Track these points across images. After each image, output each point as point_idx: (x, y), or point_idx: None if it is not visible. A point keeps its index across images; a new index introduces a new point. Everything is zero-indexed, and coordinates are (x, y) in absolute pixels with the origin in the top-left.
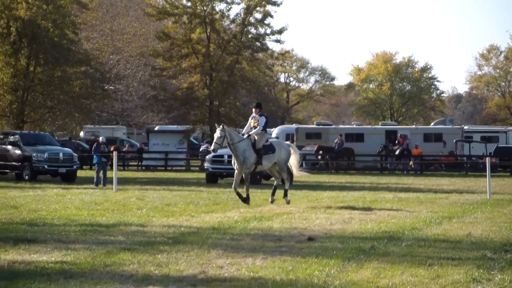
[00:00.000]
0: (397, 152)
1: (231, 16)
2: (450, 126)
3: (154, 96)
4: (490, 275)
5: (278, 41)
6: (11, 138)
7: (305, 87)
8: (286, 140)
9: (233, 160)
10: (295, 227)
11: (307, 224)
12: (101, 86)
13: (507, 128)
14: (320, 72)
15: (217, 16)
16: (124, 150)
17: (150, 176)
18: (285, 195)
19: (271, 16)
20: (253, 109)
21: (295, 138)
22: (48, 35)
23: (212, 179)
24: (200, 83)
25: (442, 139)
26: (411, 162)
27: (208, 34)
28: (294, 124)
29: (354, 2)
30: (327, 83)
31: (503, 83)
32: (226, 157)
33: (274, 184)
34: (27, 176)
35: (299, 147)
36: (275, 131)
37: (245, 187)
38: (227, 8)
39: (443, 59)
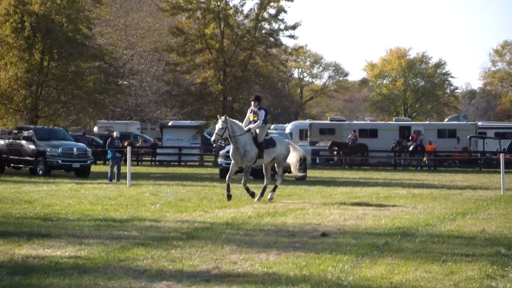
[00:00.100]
0: (410, 148)
1: (245, 11)
2: (464, 122)
3: (167, 91)
4: (504, 272)
5: (291, 36)
6: (25, 133)
7: (318, 82)
8: (300, 136)
9: (231, 152)
10: (309, 223)
11: (321, 220)
12: (115, 81)
13: None
14: (333, 67)
15: (230, 11)
16: (137, 145)
17: (163, 171)
18: (273, 190)
19: (285, 12)
20: (252, 102)
21: (308, 133)
22: (62, 30)
23: (226, 174)
24: (214, 78)
25: (456, 135)
26: (424, 158)
27: (221, 29)
28: (307, 120)
29: None
30: (341, 78)
31: None
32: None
33: (264, 184)
34: (41, 171)
35: (313, 143)
36: (288, 127)
37: (243, 181)
38: (241, 3)
39: (457, 55)
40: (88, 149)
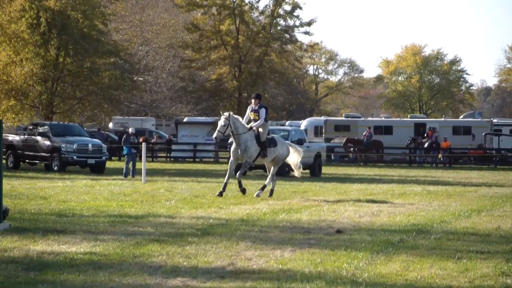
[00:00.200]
0: (425, 145)
1: (260, 8)
2: (479, 119)
3: (183, 88)
4: None
5: (307, 33)
6: (41, 129)
7: (333, 79)
8: (315, 133)
9: (232, 149)
10: (324, 220)
11: (336, 217)
12: (130, 77)
13: None
14: (349, 64)
15: (246, 8)
16: (152, 141)
17: (178, 167)
18: (261, 189)
19: (300, 8)
20: (252, 100)
21: (323, 130)
22: (78, 26)
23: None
24: (229, 74)
25: (471, 132)
26: (440, 155)
27: (237, 25)
28: (322, 116)
29: None
30: (356, 75)
31: None
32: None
33: (266, 183)
34: (56, 167)
35: (328, 139)
36: (303, 123)
37: (239, 172)
38: (256, 0)
39: (472, 52)
40: (103, 145)
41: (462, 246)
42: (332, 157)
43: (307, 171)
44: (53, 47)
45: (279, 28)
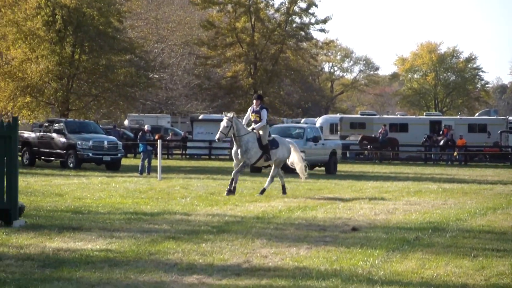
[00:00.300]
0: (441, 143)
1: (276, 5)
2: (495, 117)
3: (198, 85)
4: None
5: (322, 30)
6: (56, 126)
7: (349, 76)
8: (331, 130)
9: (233, 151)
10: (339, 217)
11: (351, 214)
12: (146, 75)
13: None
14: (364, 61)
15: (261, 5)
16: (168, 138)
17: (194, 164)
18: (261, 193)
19: (316, 6)
20: (254, 101)
21: (339, 128)
22: (93, 23)
23: (256, 168)
24: (245, 72)
25: (487, 130)
26: (455, 153)
27: (252, 23)
28: (338, 114)
29: None
30: (371, 73)
31: None
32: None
33: (281, 183)
34: (71, 164)
35: (343, 137)
36: (319, 121)
37: (234, 171)
38: None
39: (488, 49)
40: (119, 142)
41: (478, 244)
42: (348, 155)
43: (323, 168)
44: (69, 44)
45: (294, 25)
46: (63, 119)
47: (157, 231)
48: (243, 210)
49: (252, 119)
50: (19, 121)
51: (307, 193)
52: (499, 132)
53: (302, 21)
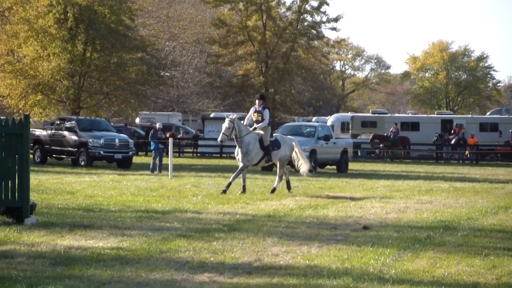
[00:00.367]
0: (452, 142)
1: (287, 4)
2: (506, 116)
3: (209, 83)
4: None
5: (334, 29)
6: (68, 124)
7: (360, 75)
8: (342, 129)
9: (236, 151)
10: (351, 216)
11: (363, 213)
12: (157, 73)
13: None
14: (375, 60)
15: (273, 3)
16: (179, 136)
17: (205, 163)
18: (272, 192)
19: (327, 4)
20: (256, 101)
21: (350, 126)
22: (105, 21)
23: (267, 167)
24: (256, 70)
25: (498, 129)
26: (466, 152)
27: (264, 21)
28: (349, 113)
29: None
30: (383, 71)
31: None
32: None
33: (286, 179)
34: (83, 162)
35: (355, 136)
36: (330, 119)
37: (232, 177)
38: None
39: (500, 48)
40: (130, 140)
41: (489, 243)
42: (359, 153)
43: (334, 167)
44: (80, 42)
45: (306, 24)
46: (74, 117)
47: (168, 229)
48: (254, 209)
49: (254, 119)
50: (30, 119)
51: (318, 191)
52: (510, 131)
53: (313, 19)
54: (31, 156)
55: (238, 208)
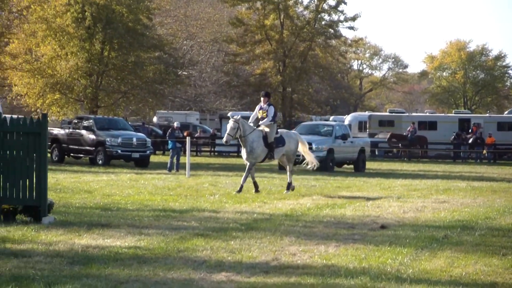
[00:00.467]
0: (470, 141)
1: (305, 3)
2: None
3: (227, 82)
4: None
5: (351, 28)
6: (85, 123)
7: (378, 74)
8: (359, 128)
9: (242, 151)
10: (368, 215)
11: (380, 212)
12: (175, 72)
13: None
14: (393, 59)
15: (290, 2)
16: (196, 135)
17: (222, 162)
18: (288, 188)
19: (345, 3)
20: (262, 98)
21: (368, 125)
22: (123, 20)
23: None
24: (273, 69)
25: None
26: (484, 151)
27: (281, 20)
28: (367, 112)
29: None
30: (400, 70)
31: None
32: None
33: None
34: (100, 161)
35: (372, 135)
36: (348, 118)
37: (243, 177)
38: None
39: None
40: (148, 139)
41: (507, 243)
42: (376, 152)
43: (351, 166)
44: (98, 41)
45: (323, 23)
46: (92, 116)
47: (185, 228)
48: (271, 208)
49: (259, 116)
50: (48, 118)
51: (335, 190)
52: None
53: (331, 18)
54: (48, 155)
55: (255, 207)
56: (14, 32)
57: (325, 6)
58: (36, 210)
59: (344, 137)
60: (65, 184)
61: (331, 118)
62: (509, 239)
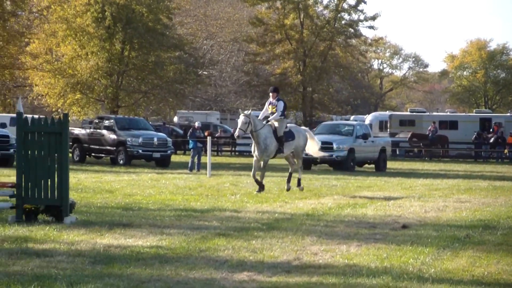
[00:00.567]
0: (491, 140)
1: (325, 2)
2: None
3: (247, 82)
4: None
5: (371, 27)
6: (106, 123)
7: (398, 73)
8: (380, 127)
9: (253, 147)
10: (389, 215)
11: (401, 212)
12: (195, 71)
13: None
14: (413, 58)
15: (310, 2)
16: (217, 135)
17: (243, 161)
18: (299, 184)
19: (365, 2)
20: (270, 94)
21: (388, 125)
22: (143, 20)
23: (306, 165)
24: (294, 69)
25: None
26: (506, 150)
27: (301, 20)
28: (387, 111)
29: None
30: (421, 70)
31: None
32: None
33: (290, 171)
34: (121, 161)
35: (393, 134)
36: (368, 118)
37: (261, 175)
38: None
39: None
40: (169, 139)
41: None
42: (397, 152)
43: (372, 166)
44: (118, 41)
45: (343, 22)
46: (113, 116)
47: (207, 228)
48: (292, 207)
49: (269, 111)
50: (69, 118)
51: (356, 190)
52: None
53: (351, 18)
54: (70, 155)
55: (276, 207)
56: (34, 32)
57: (345, 6)
58: (58, 209)
59: (365, 136)
60: (87, 184)
61: (352, 117)
62: None
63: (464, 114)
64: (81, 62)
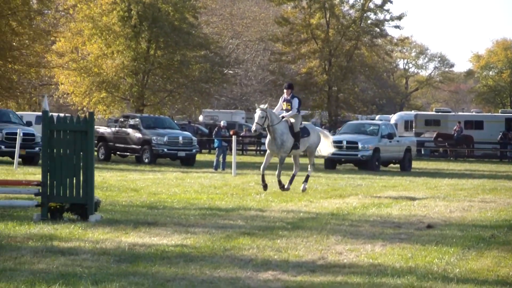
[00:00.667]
0: None
1: (351, 2)
2: None
3: (273, 81)
4: None
5: (397, 27)
6: (132, 121)
7: (424, 73)
8: (405, 127)
9: (267, 142)
10: (414, 214)
11: (426, 212)
12: (221, 70)
13: None
14: (439, 58)
15: (336, 1)
16: (242, 134)
17: None
18: (306, 180)
19: (391, 2)
20: (285, 90)
21: (414, 125)
22: (168, 18)
23: (331, 165)
24: (319, 68)
25: None
26: None
27: (327, 19)
28: (413, 111)
29: None
30: (446, 69)
31: None
32: (345, 143)
33: (293, 172)
34: (147, 159)
35: (418, 134)
36: (394, 118)
37: (277, 172)
38: None
39: None
40: (194, 138)
41: None
42: (422, 152)
43: (397, 165)
44: (144, 39)
45: (369, 22)
46: (138, 115)
47: (232, 226)
48: (317, 207)
49: (284, 108)
50: (95, 116)
51: (381, 190)
52: None
53: (377, 17)
54: (95, 153)
55: (301, 206)
56: (60, 31)
57: (371, 5)
58: (83, 208)
59: (390, 136)
60: (112, 182)
61: (377, 117)
62: None
63: (489, 114)
64: (107, 60)
